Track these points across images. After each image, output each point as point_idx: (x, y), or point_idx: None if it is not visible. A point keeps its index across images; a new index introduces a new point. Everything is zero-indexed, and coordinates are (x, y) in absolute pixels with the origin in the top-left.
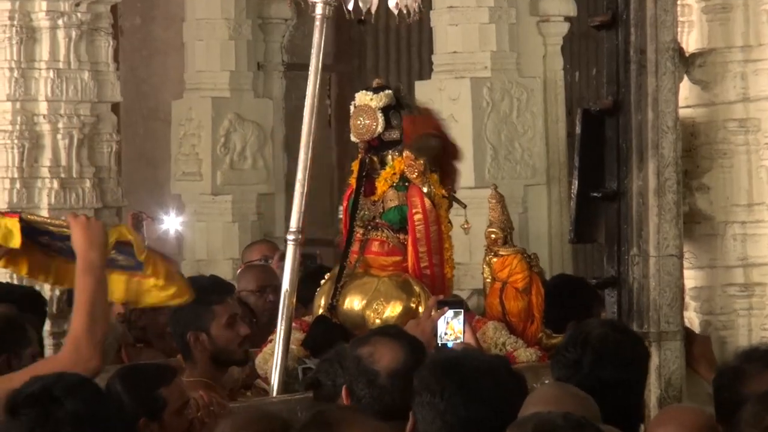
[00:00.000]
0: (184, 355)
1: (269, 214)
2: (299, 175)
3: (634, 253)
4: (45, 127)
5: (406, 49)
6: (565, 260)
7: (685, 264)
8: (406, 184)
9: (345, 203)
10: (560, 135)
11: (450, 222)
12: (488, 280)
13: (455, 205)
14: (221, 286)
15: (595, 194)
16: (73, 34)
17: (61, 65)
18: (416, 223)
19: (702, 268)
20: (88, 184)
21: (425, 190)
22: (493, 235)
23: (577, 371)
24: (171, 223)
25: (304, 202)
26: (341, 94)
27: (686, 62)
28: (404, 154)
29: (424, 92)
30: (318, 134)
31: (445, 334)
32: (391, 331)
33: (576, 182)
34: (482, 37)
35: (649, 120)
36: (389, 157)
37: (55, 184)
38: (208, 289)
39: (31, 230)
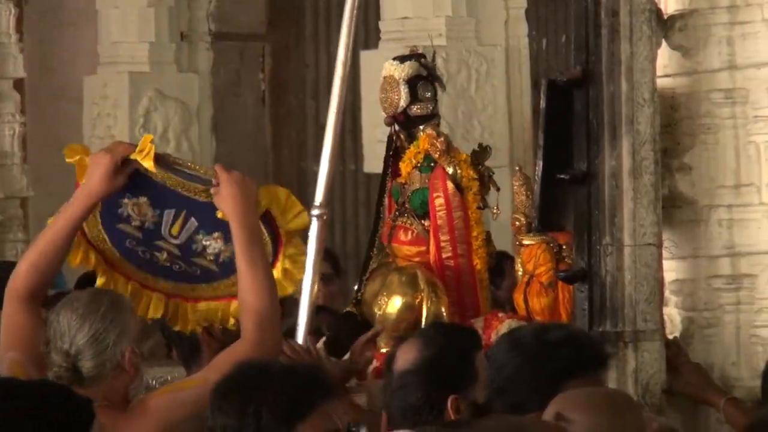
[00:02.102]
0: (190, 358)
1: None
2: (327, 143)
3: (606, 243)
4: None
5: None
6: None
7: (665, 254)
8: (432, 164)
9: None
10: (525, 111)
11: (483, 206)
12: (519, 273)
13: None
14: None
15: (562, 176)
16: None
17: None
18: (437, 209)
19: (684, 258)
20: None
21: (450, 171)
22: (517, 222)
23: None
24: None
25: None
26: (276, 66)
27: (664, 26)
28: (427, 131)
29: (370, 63)
30: (251, 112)
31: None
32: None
33: (541, 163)
34: (436, 1)
35: (623, 92)
36: (419, 134)
37: None
38: None
39: (116, 235)
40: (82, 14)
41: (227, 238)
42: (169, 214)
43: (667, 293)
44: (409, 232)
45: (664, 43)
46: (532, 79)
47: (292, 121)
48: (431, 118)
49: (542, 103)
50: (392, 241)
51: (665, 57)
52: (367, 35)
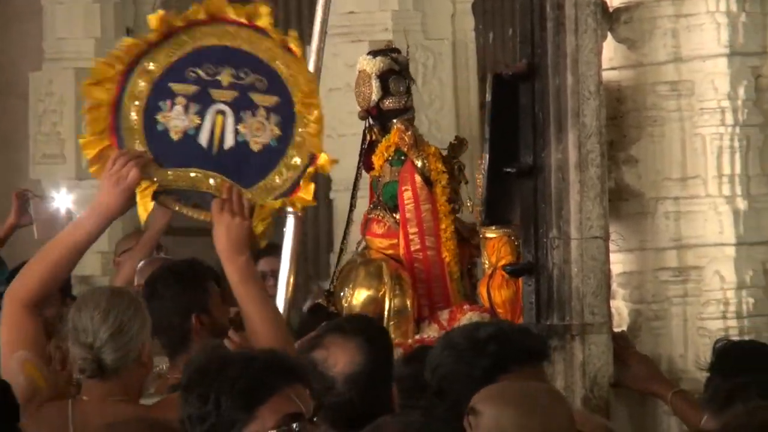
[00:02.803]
0: (178, 346)
1: None
2: None
3: (553, 236)
4: None
5: (295, 10)
6: None
7: (612, 247)
8: (403, 158)
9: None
10: (472, 105)
11: (454, 202)
12: (485, 266)
13: None
14: (203, 266)
15: (508, 170)
16: None
17: None
18: (406, 202)
19: (630, 251)
20: None
21: (418, 164)
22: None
23: None
24: (62, 201)
25: None
26: None
27: (610, 18)
28: (397, 125)
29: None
30: None
31: None
32: (347, 326)
33: (487, 157)
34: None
35: (569, 85)
36: (393, 128)
37: None
38: (194, 271)
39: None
40: (27, 10)
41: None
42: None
43: (614, 286)
44: (382, 225)
45: (609, 36)
46: (479, 72)
47: None
48: (404, 111)
49: (488, 97)
50: (366, 233)
51: (611, 50)
52: (313, 30)
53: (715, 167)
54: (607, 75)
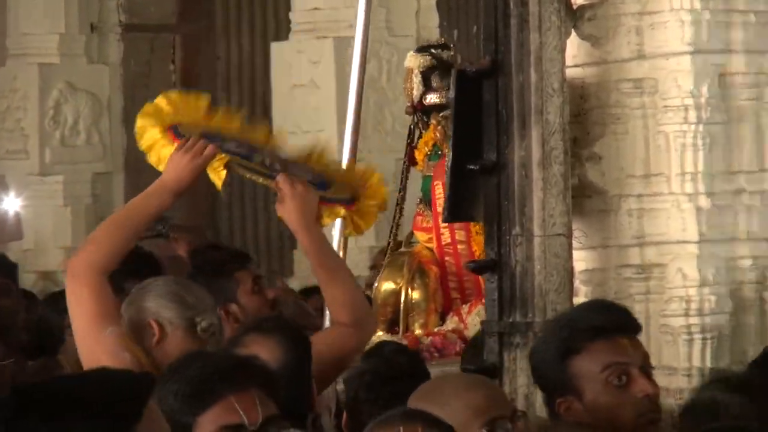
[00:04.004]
0: None
1: (106, 195)
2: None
3: (516, 233)
4: None
5: (260, 6)
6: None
7: (575, 244)
8: (439, 152)
9: None
10: None
11: None
12: None
13: None
14: (237, 254)
15: (471, 167)
16: None
17: None
18: (437, 196)
19: (593, 248)
20: None
21: None
22: None
23: None
24: (9, 204)
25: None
26: (187, 58)
27: (574, 16)
28: (433, 120)
29: (281, 55)
30: None
31: None
32: (266, 325)
33: (450, 154)
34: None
35: (533, 82)
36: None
37: None
38: (224, 259)
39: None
40: None
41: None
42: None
43: (576, 283)
44: (425, 219)
45: (573, 33)
46: None
47: None
48: (447, 107)
49: (451, 94)
50: (413, 227)
51: (574, 47)
52: (278, 26)
53: (679, 165)
54: (570, 72)
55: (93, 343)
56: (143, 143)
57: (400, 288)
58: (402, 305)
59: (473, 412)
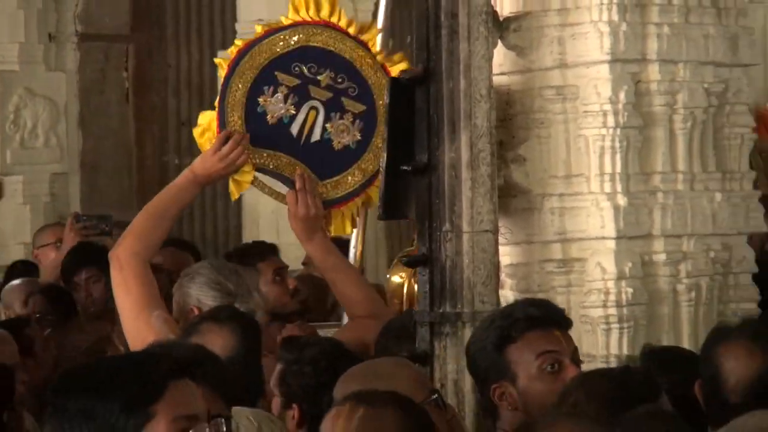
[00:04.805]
0: None
1: (63, 194)
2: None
3: (446, 229)
4: None
5: (208, 17)
6: (378, 239)
7: (501, 240)
8: None
9: None
10: None
11: None
12: None
13: None
14: (261, 245)
15: (405, 167)
16: None
17: None
18: None
19: (518, 243)
20: None
21: None
22: None
23: None
24: None
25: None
26: (139, 66)
27: (500, 27)
28: None
29: None
30: (116, 109)
31: None
32: (221, 314)
33: (385, 156)
34: (289, 4)
35: (462, 88)
36: None
37: None
38: (248, 251)
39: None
40: None
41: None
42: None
43: (502, 276)
44: None
45: (499, 43)
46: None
47: (155, 117)
48: None
49: (386, 99)
50: None
51: (501, 56)
52: (225, 36)
53: (598, 166)
54: (497, 80)
55: (143, 325)
56: (201, 120)
57: (404, 281)
58: (405, 297)
59: (416, 383)
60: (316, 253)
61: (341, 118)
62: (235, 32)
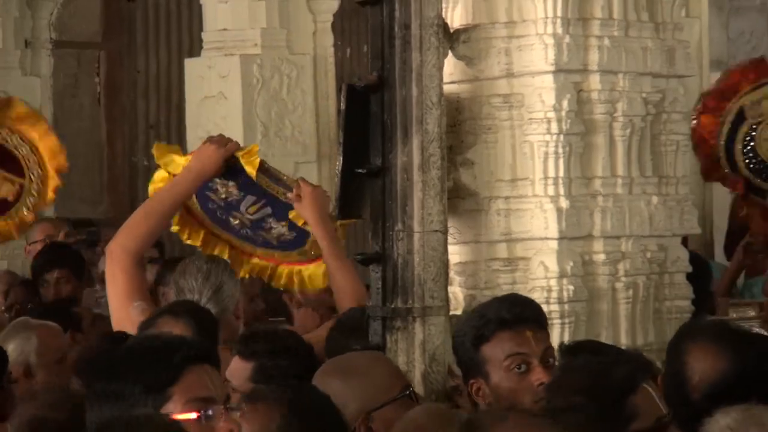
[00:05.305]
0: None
1: None
2: None
3: (398, 229)
4: None
5: (176, 26)
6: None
7: (450, 239)
8: None
9: None
10: (330, 112)
11: None
12: None
13: None
14: None
15: (359, 170)
16: None
17: None
18: None
19: (466, 243)
20: None
21: None
22: None
23: None
24: None
25: None
26: (110, 71)
27: (451, 38)
28: None
29: (194, 70)
30: (88, 112)
31: None
32: (178, 308)
33: (341, 159)
34: (252, 14)
35: (414, 96)
36: None
37: None
38: None
39: (203, 197)
40: None
41: (291, 227)
42: (249, 199)
43: (451, 274)
44: None
45: (450, 54)
46: (337, 83)
47: (125, 119)
48: None
49: (342, 106)
50: None
51: (451, 65)
52: (192, 44)
53: (542, 170)
54: (447, 88)
55: (125, 315)
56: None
57: None
58: None
59: (391, 377)
60: (326, 237)
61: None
62: (201, 40)
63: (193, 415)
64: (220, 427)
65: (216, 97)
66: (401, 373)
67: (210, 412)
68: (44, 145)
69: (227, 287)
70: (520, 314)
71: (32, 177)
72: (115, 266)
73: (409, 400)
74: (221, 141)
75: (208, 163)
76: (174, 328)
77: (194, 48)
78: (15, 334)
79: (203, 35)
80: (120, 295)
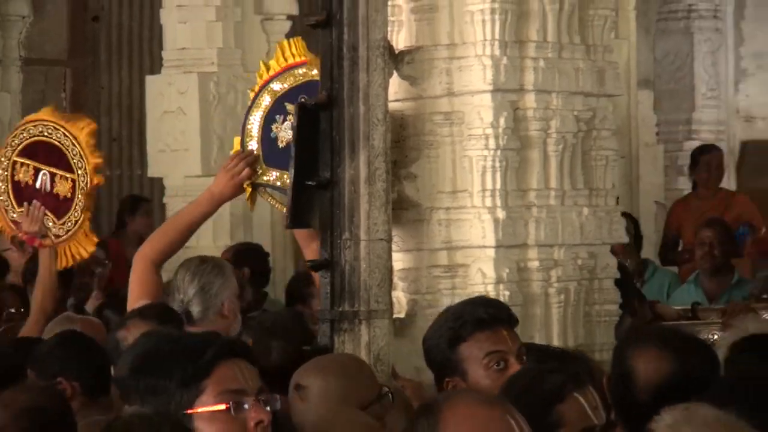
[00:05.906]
0: None
1: None
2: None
3: (346, 238)
4: None
5: (138, 45)
6: (287, 247)
7: (394, 247)
8: None
9: None
10: None
11: None
12: None
13: None
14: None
15: (310, 183)
16: None
17: None
18: None
19: (409, 251)
20: None
21: None
22: None
23: None
24: None
25: None
26: (76, 88)
27: (396, 59)
28: None
29: (154, 86)
30: None
31: None
32: (148, 311)
33: (293, 171)
34: (209, 35)
35: (361, 113)
36: None
37: None
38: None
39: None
40: None
41: None
42: None
43: (395, 279)
44: None
45: (395, 74)
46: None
47: None
48: None
49: (294, 122)
50: None
51: (396, 85)
52: (152, 62)
53: (480, 183)
54: (392, 106)
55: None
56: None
57: None
58: None
59: (371, 380)
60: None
61: None
62: (161, 59)
63: (223, 407)
64: (251, 417)
65: (175, 113)
66: (375, 376)
67: (241, 403)
68: (84, 139)
69: (214, 287)
70: (496, 315)
71: (79, 172)
72: (134, 271)
73: (388, 402)
74: (236, 170)
75: (226, 190)
76: (141, 329)
77: (155, 66)
78: (58, 329)
79: (163, 54)
80: (132, 297)
